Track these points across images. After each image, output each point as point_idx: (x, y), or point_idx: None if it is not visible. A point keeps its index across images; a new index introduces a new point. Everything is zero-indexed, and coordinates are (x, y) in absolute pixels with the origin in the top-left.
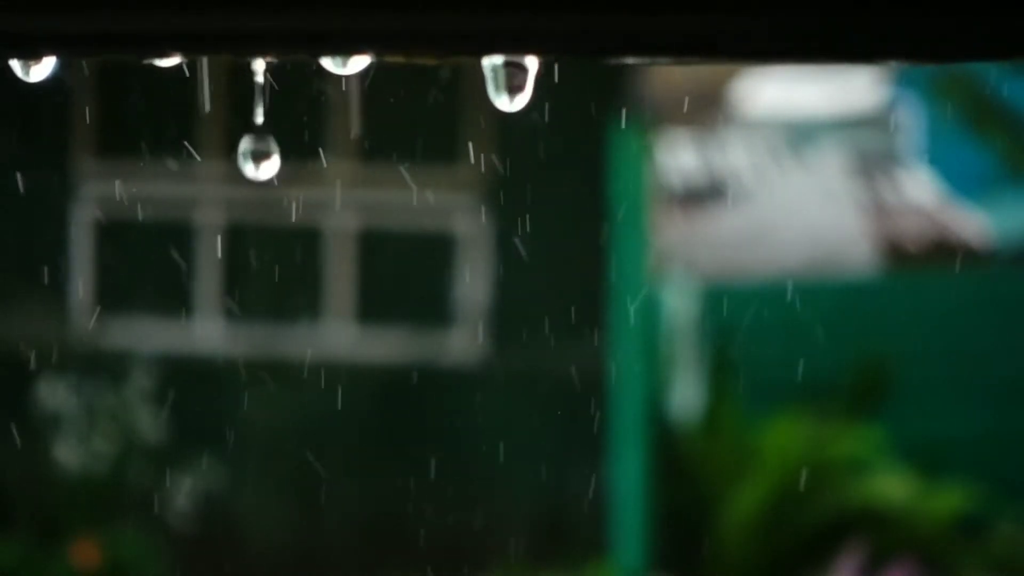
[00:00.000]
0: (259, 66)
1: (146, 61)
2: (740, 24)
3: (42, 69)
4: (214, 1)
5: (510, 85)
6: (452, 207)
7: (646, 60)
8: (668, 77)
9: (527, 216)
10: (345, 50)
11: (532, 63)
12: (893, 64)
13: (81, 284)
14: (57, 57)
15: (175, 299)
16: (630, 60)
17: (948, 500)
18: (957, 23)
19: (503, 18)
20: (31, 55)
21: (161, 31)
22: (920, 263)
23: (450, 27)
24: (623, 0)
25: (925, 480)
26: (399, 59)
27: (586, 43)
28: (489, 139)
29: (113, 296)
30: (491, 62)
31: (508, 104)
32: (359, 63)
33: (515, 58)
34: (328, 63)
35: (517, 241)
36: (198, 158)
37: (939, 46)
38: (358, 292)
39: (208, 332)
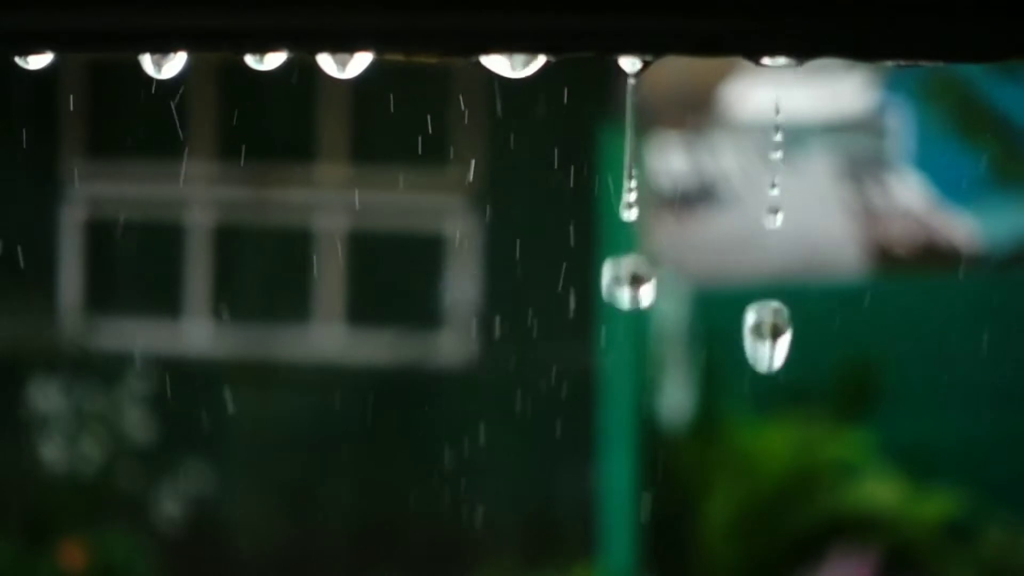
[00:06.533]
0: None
1: (144, 60)
2: (737, 25)
3: (41, 59)
4: None
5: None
6: (442, 209)
7: (649, 59)
8: (658, 79)
9: (517, 218)
10: (345, 48)
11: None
12: (887, 64)
13: (70, 285)
14: (54, 53)
15: (165, 300)
16: (635, 59)
17: (937, 505)
18: (951, 24)
19: (504, 17)
20: (28, 51)
21: (159, 28)
22: (909, 267)
23: (451, 25)
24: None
25: (914, 484)
26: (399, 58)
27: (589, 42)
28: (479, 141)
29: (103, 297)
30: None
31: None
32: (358, 66)
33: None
34: (328, 66)
35: (507, 243)
36: (188, 159)
37: (932, 47)
38: (348, 294)
39: (198, 334)
